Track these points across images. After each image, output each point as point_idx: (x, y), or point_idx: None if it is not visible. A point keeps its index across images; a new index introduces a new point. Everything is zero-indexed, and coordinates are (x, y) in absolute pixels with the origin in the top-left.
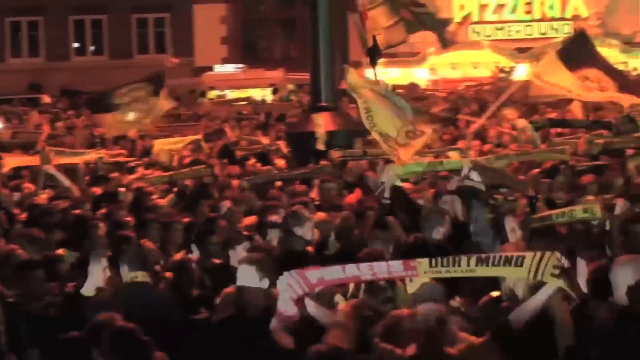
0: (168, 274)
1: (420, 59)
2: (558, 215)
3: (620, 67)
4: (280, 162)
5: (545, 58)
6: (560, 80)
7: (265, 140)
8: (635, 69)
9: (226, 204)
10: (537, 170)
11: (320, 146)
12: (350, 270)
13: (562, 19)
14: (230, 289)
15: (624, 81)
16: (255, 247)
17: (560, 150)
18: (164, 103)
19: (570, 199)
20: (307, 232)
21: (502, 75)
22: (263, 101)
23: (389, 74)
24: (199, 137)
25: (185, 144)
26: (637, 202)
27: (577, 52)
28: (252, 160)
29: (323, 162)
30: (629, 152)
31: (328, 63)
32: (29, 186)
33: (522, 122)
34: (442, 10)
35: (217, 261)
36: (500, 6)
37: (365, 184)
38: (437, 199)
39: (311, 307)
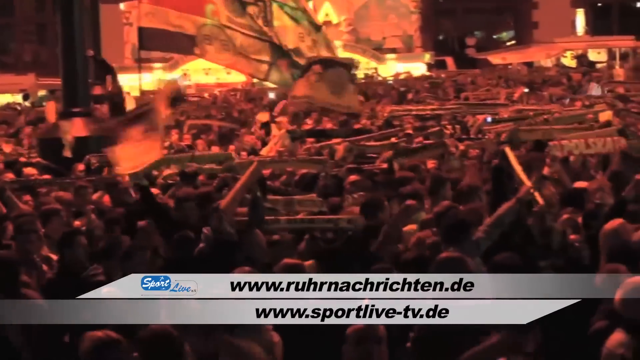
0: None
1: (174, 64)
2: (323, 221)
3: (371, 72)
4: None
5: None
6: None
7: (7, 149)
8: (377, 74)
9: None
10: (283, 177)
11: (67, 153)
12: None
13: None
14: None
15: None
16: None
17: (320, 160)
18: None
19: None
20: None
21: (255, 80)
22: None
23: (142, 79)
24: None
25: None
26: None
27: None
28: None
29: (79, 168)
30: (387, 154)
31: (81, 68)
32: None
33: (281, 131)
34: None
35: None
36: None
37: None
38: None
39: None
